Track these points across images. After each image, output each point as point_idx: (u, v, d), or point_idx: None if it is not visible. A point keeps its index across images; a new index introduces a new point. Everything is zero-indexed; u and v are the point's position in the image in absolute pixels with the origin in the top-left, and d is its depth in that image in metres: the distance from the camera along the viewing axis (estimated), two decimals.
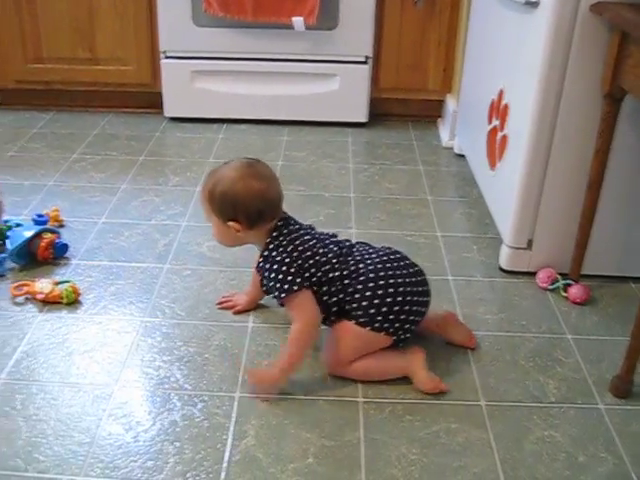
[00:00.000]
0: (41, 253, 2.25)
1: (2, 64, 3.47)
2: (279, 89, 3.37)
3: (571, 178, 2.12)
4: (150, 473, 1.53)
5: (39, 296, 2.08)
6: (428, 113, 3.55)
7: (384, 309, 1.77)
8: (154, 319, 2.03)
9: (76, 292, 2.10)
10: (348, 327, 1.79)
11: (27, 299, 2.11)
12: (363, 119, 3.43)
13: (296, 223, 1.89)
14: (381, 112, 3.53)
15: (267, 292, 1.92)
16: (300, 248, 1.80)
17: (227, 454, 1.58)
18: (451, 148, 3.23)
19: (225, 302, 2.10)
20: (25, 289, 2.11)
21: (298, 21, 3.13)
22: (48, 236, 2.27)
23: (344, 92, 3.36)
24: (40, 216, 2.47)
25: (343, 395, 1.76)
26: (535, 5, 2.05)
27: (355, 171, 2.99)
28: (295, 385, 1.79)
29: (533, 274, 2.27)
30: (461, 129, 3.10)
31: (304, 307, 1.77)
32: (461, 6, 3.21)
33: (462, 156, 3.11)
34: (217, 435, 1.63)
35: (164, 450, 1.59)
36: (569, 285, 2.19)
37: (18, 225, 2.39)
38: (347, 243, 1.91)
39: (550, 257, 2.25)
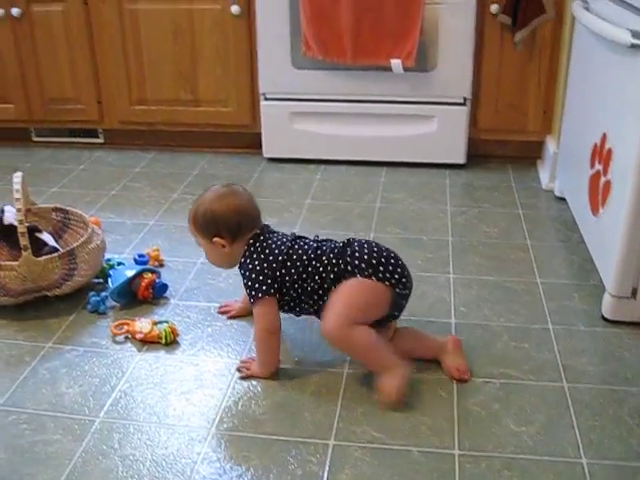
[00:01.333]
0: (141, 293, 2.30)
1: (108, 105, 3.60)
2: (377, 130, 3.37)
3: None
4: None
5: (138, 335, 2.12)
6: (527, 154, 3.49)
7: (383, 260, 1.91)
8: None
9: (174, 333, 2.13)
10: (352, 281, 1.90)
11: (127, 338, 2.15)
12: (461, 160, 3.40)
13: (273, 232, 2.03)
14: (479, 153, 3.49)
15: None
16: (275, 252, 1.94)
17: None
18: (551, 191, 3.16)
19: (222, 308, 2.27)
20: (125, 328, 2.15)
21: (396, 63, 3.14)
22: (148, 276, 2.32)
23: (442, 133, 3.34)
24: (141, 256, 2.53)
25: (438, 446, 1.72)
26: None
27: (453, 214, 2.96)
28: (390, 434, 1.76)
29: (638, 324, 2.18)
30: (562, 172, 3.03)
31: (264, 314, 1.94)
32: (562, 47, 3.16)
33: (563, 199, 3.03)
34: None
35: None
36: None
37: (120, 264, 2.45)
38: (328, 240, 2.04)
39: None
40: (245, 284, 1.94)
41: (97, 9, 3.41)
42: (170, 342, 2.12)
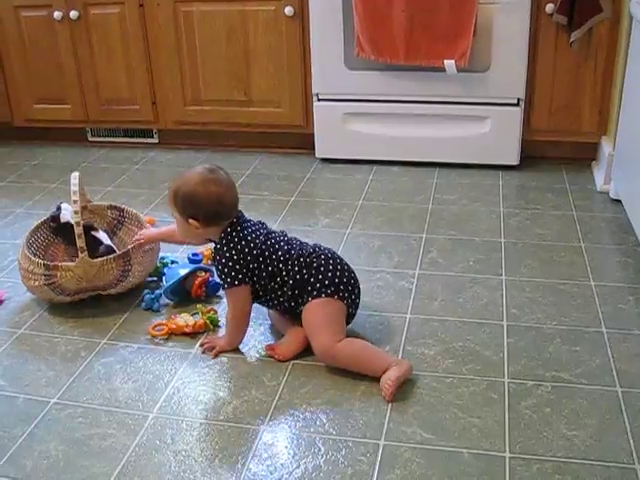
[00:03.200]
0: (195, 291, 2.33)
1: (162, 106, 3.65)
2: (430, 131, 3.36)
3: None
4: None
5: (187, 329, 2.16)
6: (582, 156, 3.44)
7: (345, 280, 2.05)
8: (302, 361, 2.05)
9: (215, 312, 2.23)
10: (314, 305, 2.02)
11: (167, 338, 2.19)
12: (514, 162, 3.37)
13: (248, 221, 2.09)
14: (533, 154, 3.45)
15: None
16: (251, 245, 2.03)
17: None
18: (606, 193, 3.11)
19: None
20: (165, 329, 2.19)
21: (450, 64, 3.12)
22: (202, 274, 2.35)
23: (495, 134, 3.31)
24: (195, 255, 2.56)
25: (489, 449, 1.71)
26: None
27: (506, 215, 2.93)
28: (440, 435, 1.76)
29: None
30: (618, 173, 2.98)
31: (237, 301, 2.06)
32: (618, 46, 3.11)
33: (618, 201, 2.98)
34: None
35: None
36: None
37: (173, 262, 2.49)
38: (296, 241, 2.13)
39: None
40: (220, 270, 2.03)
41: (152, 11, 3.46)
42: (217, 324, 2.22)
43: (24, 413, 1.87)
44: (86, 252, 2.18)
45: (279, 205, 3.05)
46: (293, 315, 2.12)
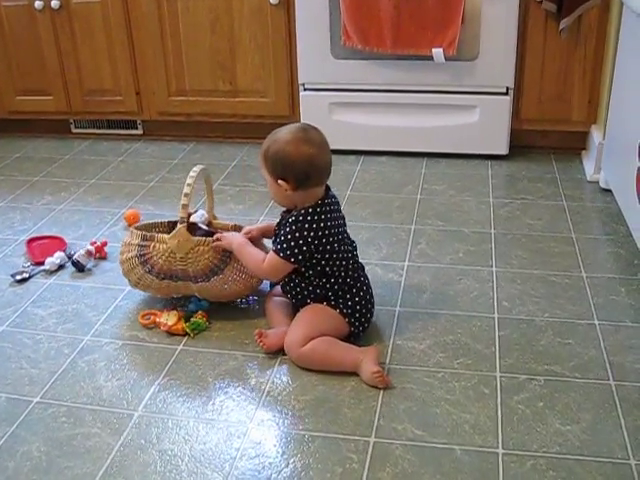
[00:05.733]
0: None
1: (146, 97, 3.60)
2: (417, 121, 3.32)
3: None
4: None
5: (163, 327, 2.12)
6: (571, 145, 3.41)
7: (364, 311, 2.04)
8: (282, 357, 2.01)
9: (201, 325, 2.14)
10: (321, 306, 2.01)
11: (151, 328, 2.16)
12: (503, 151, 3.34)
13: (334, 204, 2.02)
14: (522, 144, 3.42)
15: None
16: (329, 238, 1.96)
17: None
18: (596, 182, 3.08)
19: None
20: (152, 318, 2.16)
21: (438, 52, 3.08)
22: None
23: (484, 124, 3.28)
24: None
25: (482, 445, 1.68)
26: None
27: (495, 206, 2.90)
28: (433, 431, 1.72)
29: None
30: (608, 163, 2.95)
31: (276, 271, 2.00)
32: (608, 34, 3.08)
33: (609, 191, 2.96)
34: None
35: None
36: None
37: None
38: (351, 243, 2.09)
39: None
40: (284, 238, 1.95)
41: (136, 0, 3.41)
42: (196, 334, 2.12)
43: (6, 413, 1.82)
44: (185, 224, 2.10)
45: (266, 196, 3.01)
46: (295, 308, 2.09)
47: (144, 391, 1.89)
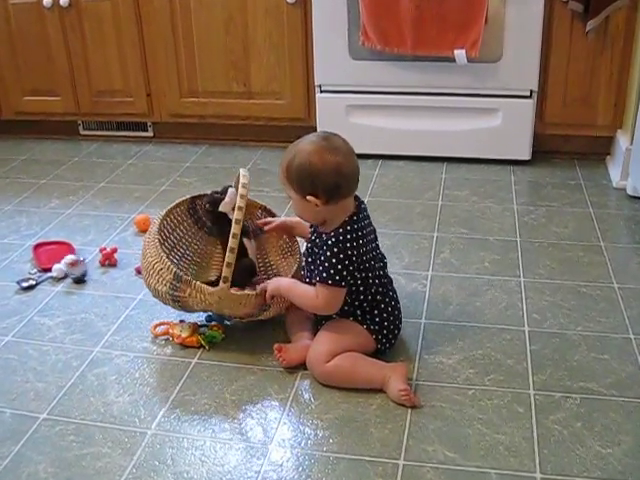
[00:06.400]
0: None
1: (158, 98, 3.51)
2: (438, 124, 3.22)
3: None
4: None
5: (177, 340, 2.02)
6: (596, 150, 3.30)
7: (392, 327, 1.93)
8: (303, 372, 1.91)
9: (217, 337, 2.03)
10: (348, 321, 1.90)
11: (167, 340, 2.06)
12: (526, 157, 3.23)
13: (364, 213, 1.91)
14: (544, 149, 3.31)
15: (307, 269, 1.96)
16: (365, 247, 1.85)
17: None
18: (623, 189, 2.97)
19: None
20: (164, 329, 2.07)
21: (460, 54, 2.98)
22: None
23: (506, 128, 3.17)
24: None
25: (519, 469, 1.58)
26: None
27: (520, 213, 2.79)
28: (464, 453, 1.62)
29: None
30: (636, 169, 2.85)
31: (333, 302, 1.85)
32: (636, 37, 2.98)
33: (637, 198, 2.86)
34: None
35: None
36: None
37: None
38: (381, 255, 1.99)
39: None
40: (327, 262, 1.81)
41: None
42: (211, 344, 2.01)
43: (10, 430, 1.72)
44: (229, 283, 1.88)
45: (280, 202, 2.90)
46: (316, 321, 1.99)
47: (157, 408, 1.78)
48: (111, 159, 3.46)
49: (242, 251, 2.05)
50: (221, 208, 2.12)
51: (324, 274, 1.81)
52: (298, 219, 2.05)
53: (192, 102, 3.47)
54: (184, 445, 1.66)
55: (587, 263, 2.42)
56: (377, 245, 1.96)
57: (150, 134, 3.67)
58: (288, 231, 2.19)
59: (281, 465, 1.60)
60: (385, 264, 1.98)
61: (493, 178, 3.13)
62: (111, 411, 1.77)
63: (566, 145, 3.32)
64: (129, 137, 3.69)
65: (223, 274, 1.87)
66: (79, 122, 3.72)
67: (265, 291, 1.94)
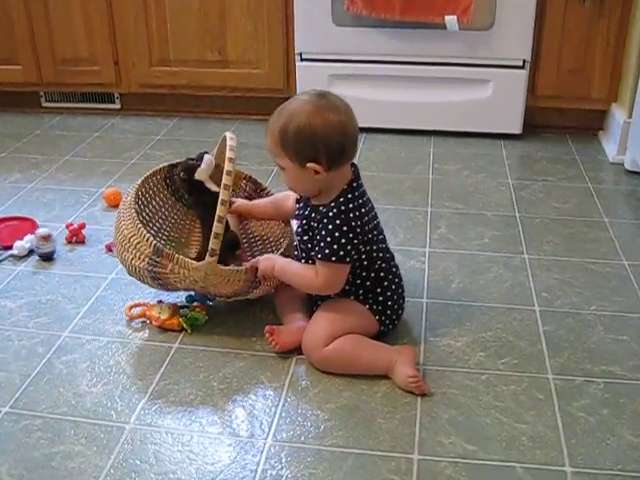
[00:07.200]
0: None
1: (126, 67, 3.30)
2: (425, 95, 3.06)
3: None
4: None
5: (155, 322, 1.84)
6: (588, 125, 3.17)
7: (396, 307, 1.77)
8: (297, 356, 1.74)
9: (199, 319, 1.85)
10: (347, 301, 1.73)
11: (144, 323, 1.88)
12: (517, 130, 3.08)
13: (360, 182, 1.73)
14: (535, 122, 3.16)
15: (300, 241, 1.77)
16: (365, 219, 1.68)
17: None
18: (620, 164, 2.85)
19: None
20: (141, 311, 1.89)
21: (451, 20, 2.81)
22: None
23: (497, 100, 3.01)
24: None
25: (546, 462, 1.42)
26: None
27: (516, 187, 2.65)
28: (485, 446, 1.46)
29: None
30: (636, 143, 2.70)
31: (336, 279, 1.67)
32: (634, 4, 2.83)
33: (636, 173, 2.73)
34: None
35: None
36: None
37: None
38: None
39: None
40: (329, 236, 1.62)
41: None
42: (193, 326, 1.83)
43: None
44: (217, 257, 1.68)
45: (260, 176, 2.68)
46: (311, 301, 1.80)
47: (136, 399, 1.59)
48: (75, 132, 3.25)
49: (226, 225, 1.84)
50: (197, 176, 1.93)
51: (326, 250, 1.63)
52: (253, 202, 1.92)
53: (163, 71, 3.28)
54: (168, 441, 1.47)
55: (593, 239, 2.29)
56: (377, 214, 1.77)
57: (117, 106, 3.46)
58: (246, 214, 1.98)
59: (280, 462, 1.42)
60: (385, 237, 1.81)
61: (483, 152, 2.98)
62: (83, 403, 1.58)
63: (558, 119, 3.19)
64: (95, 109, 3.48)
65: (211, 246, 1.66)
66: (41, 93, 3.49)
67: (256, 268, 1.74)
